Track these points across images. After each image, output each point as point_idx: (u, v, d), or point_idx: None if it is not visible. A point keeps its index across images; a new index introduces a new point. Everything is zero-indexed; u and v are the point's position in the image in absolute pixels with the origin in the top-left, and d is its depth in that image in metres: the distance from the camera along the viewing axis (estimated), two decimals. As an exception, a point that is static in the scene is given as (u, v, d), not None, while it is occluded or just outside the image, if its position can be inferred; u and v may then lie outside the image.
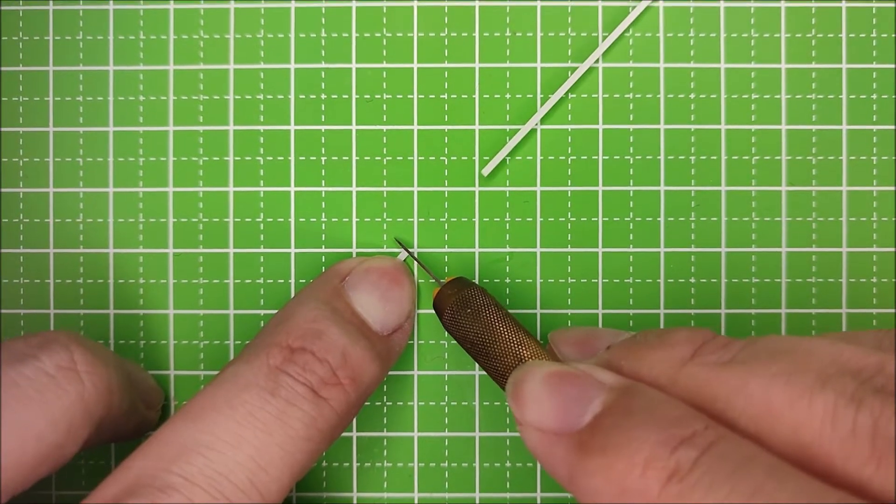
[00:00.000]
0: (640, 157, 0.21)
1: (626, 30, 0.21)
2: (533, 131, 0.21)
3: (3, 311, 0.21)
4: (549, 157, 0.21)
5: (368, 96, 0.21)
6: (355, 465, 0.21)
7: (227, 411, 0.15)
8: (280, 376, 0.16)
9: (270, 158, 0.21)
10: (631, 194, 0.21)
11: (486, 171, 0.20)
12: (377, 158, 0.21)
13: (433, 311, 0.21)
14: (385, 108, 0.21)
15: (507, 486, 0.21)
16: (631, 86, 0.21)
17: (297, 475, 0.15)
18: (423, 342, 0.21)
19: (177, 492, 0.14)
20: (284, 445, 0.15)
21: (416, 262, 0.20)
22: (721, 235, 0.21)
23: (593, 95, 0.21)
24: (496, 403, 0.21)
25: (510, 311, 0.21)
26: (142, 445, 0.15)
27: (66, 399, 0.15)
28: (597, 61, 0.21)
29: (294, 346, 0.16)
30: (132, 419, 0.18)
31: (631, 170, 0.21)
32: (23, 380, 0.15)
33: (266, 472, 0.15)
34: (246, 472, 0.14)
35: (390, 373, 0.21)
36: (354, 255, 0.21)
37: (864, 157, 0.21)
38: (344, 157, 0.21)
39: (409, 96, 0.21)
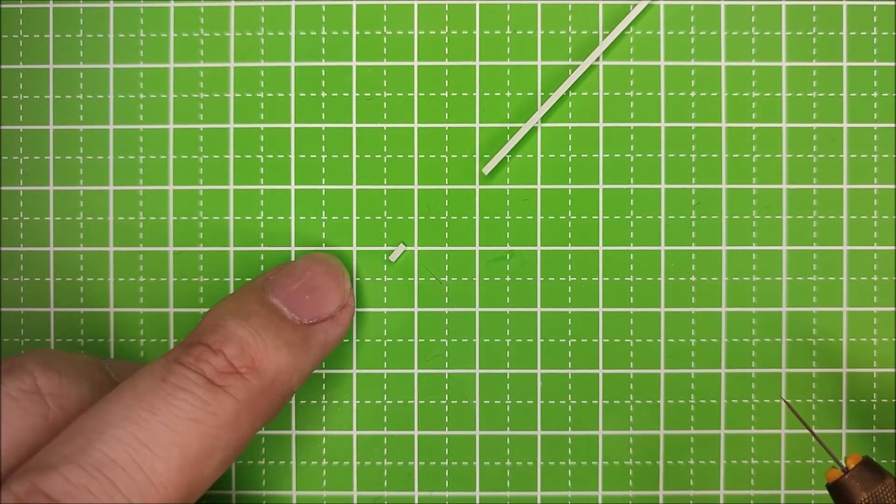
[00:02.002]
0: (640, 155, 0.21)
1: (627, 28, 0.21)
2: (533, 129, 0.21)
3: (3, 309, 0.21)
4: (550, 156, 0.21)
5: (369, 94, 0.21)
6: (355, 463, 0.21)
7: (115, 398, 0.15)
8: (173, 366, 0.16)
9: (271, 156, 0.21)
10: (631, 192, 0.21)
11: (487, 169, 0.20)
12: (377, 156, 0.21)
13: (433, 309, 0.21)
14: (385, 106, 0.21)
15: (508, 484, 0.21)
16: (631, 84, 0.21)
17: (193, 462, 0.15)
18: (423, 340, 0.21)
19: (54, 471, 0.14)
20: (170, 424, 0.15)
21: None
22: (722, 233, 0.21)
23: (594, 93, 0.21)
24: (496, 402, 0.21)
25: (510, 309, 0.21)
26: None
27: (29, 420, 0.15)
28: (597, 59, 0.21)
29: (192, 342, 0.16)
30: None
31: (631, 168, 0.21)
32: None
33: (149, 449, 0.14)
34: (126, 448, 0.14)
35: (391, 371, 0.21)
36: (355, 254, 0.21)
37: (864, 155, 0.21)
38: (344, 155, 0.21)
39: (410, 94, 0.21)
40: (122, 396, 0.15)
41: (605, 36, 0.21)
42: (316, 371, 0.21)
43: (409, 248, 0.21)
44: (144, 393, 0.15)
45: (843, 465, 0.17)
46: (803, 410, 0.21)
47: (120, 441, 0.14)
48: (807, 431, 0.21)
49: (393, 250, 0.21)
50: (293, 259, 0.20)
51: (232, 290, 0.21)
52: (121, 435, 0.14)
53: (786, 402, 0.19)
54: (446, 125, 0.21)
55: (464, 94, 0.21)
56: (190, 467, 0.15)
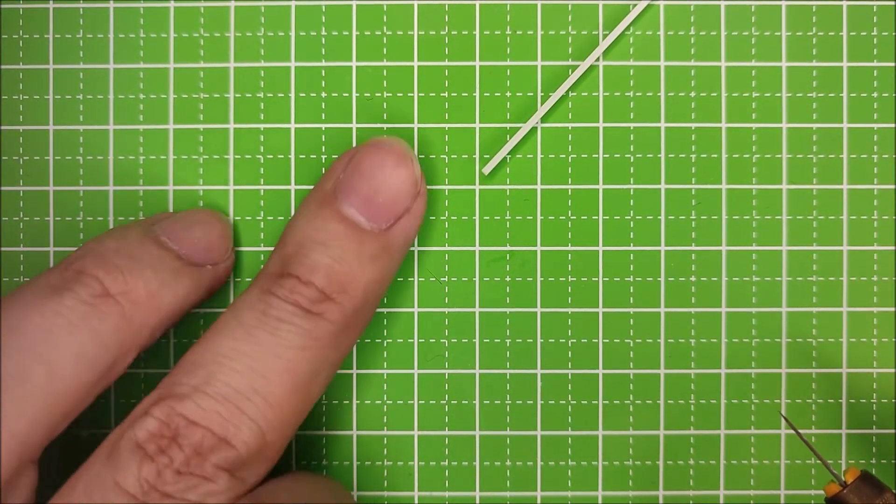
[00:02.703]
0: (640, 156, 0.21)
1: (627, 28, 0.21)
2: (533, 129, 0.21)
3: (2, 309, 0.21)
4: (550, 156, 0.21)
5: (369, 94, 0.21)
6: (355, 463, 0.21)
7: (225, 331, 0.17)
8: (271, 298, 0.17)
9: (271, 157, 0.21)
10: (631, 192, 0.21)
11: (487, 169, 0.20)
12: (377, 156, 0.21)
13: (433, 309, 0.21)
14: (385, 107, 0.21)
15: (508, 484, 0.21)
16: (631, 84, 0.21)
17: (304, 381, 0.17)
18: (423, 340, 0.21)
19: (188, 399, 0.16)
20: (279, 353, 0.16)
21: (805, 443, 0.18)
22: (722, 233, 0.21)
23: (594, 94, 0.21)
24: (496, 402, 0.21)
25: (510, 309, 0.21)
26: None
27: (110, 321, 0.17)
28: (597, 59, 0.21)
29: (281, 272, 0.17)
30: (200, 285, 0.19)
31: (631, 168, 0.21)
32: (65, 310, 0.16)
33: (265, 377, 0.16)
34: (245, 378, 0.16)
35: (391, 371, 0.21)
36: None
37: (864, 156, 0.21)
38: (344, 156, 0.21)
39: (410, 94, 0.21)
40: (232, 330, 0.17)
41: (605, 36, 0.21)
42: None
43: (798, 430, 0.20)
44: (252, 327, 0.17)
45: (842, 479, 0.17)
46: (803, 410, 0.21)
47: (239, 372, 0.16)
48: (808, 432, 0.21)
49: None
50: (354, 146, 0.19)
51: (232, 291, 0.21)
52: (238, 367, 0.16)
53: (784, 419, 0.19)
54: (446, 125, 0.21)
55: (464, 94, 0.21)
56: (301, 388, 0.17)
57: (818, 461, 0.20)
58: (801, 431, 0.20)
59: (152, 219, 0.19)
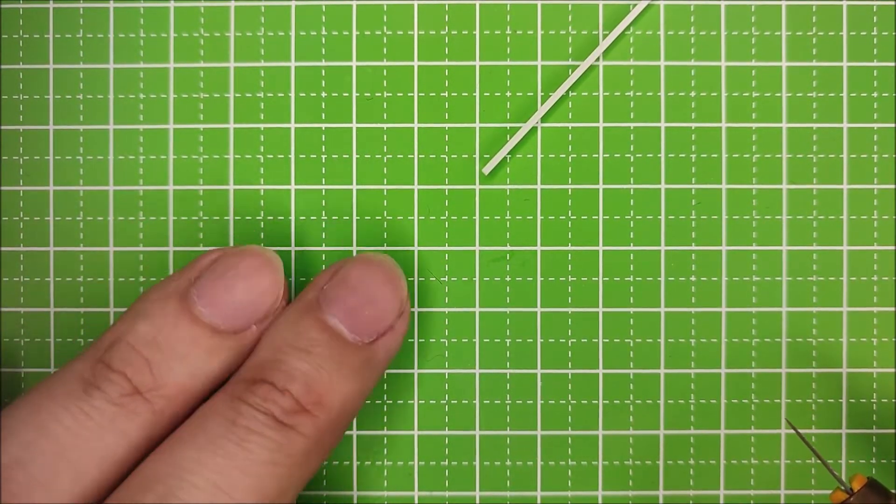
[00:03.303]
0: (640, 156, 0.21)
1: (627, 28, 0.21)
2: (533, 129, 0.21)
3: (3, 308, 0.21)
4: (550, 156, 0.21)
5: (369, 94, 0.21)
6: (355, 463, 0.21)
7: (189, 440, 0.15)
8: (241, 406, 0.16)
9: (271, 156, 0.21)
10: (631, 192, 0.21)
11: (487, 169, 0.20)
12: (377, 156, 0.21)
13: (433, 309, 0.21)
14: (385, 106, 0.21)
15: (508, 484, 0.21)
16: (631, 84, 0.21)
17: (272, 501, 0.15)
18: (423, 340, 0.21)
19: None
20: (246, 469, 0.15)
21: (804, 442, 0.18)
22: (722, 233, 0.21)
23: (594, 94, 0.21)
24: (496, 402, 0.21)
25: (510, 309, 0.21)
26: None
27: (139, 420, 0.16)
28: (597, 59, 0.21)
29: (255, 378, 0.16)
30: (240, 353, 0.18)
31: (631, 168, 0.21)
32: (94, 412, 0.16)
33: (228, 495, 0.15)
34: (207, 495, 0.15)
35: (390, 371, 0.21)
36: (354, 254, 0.21)
37: (864, 155, 0.21)
38: (344, 155, 0.21)
39: (410, 94, 0.21)
40: (195, 440, 0.15)
41: (605, 36, 0.21)
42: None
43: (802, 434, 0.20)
44: (217, 437, 0.15)
45: (848, 487, 0.17)
46: (803, 410, 0.21)
47: (200, 489, 0.15)
48: (808, 432, 0.21)
49: (392, 250, 0.21)
50: (343, 261, 0.18)
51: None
52: (200, 483, 0.15)
53: (790, 424, 0.19)
54: (446, 125, 0.21)
55: (464, 94, 0.21)
56: None
57: (818, 461, 0.20)
58: (803, 433, 0.20)
59: (194, 271, 0.18)
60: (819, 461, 0.18)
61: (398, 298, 0.18)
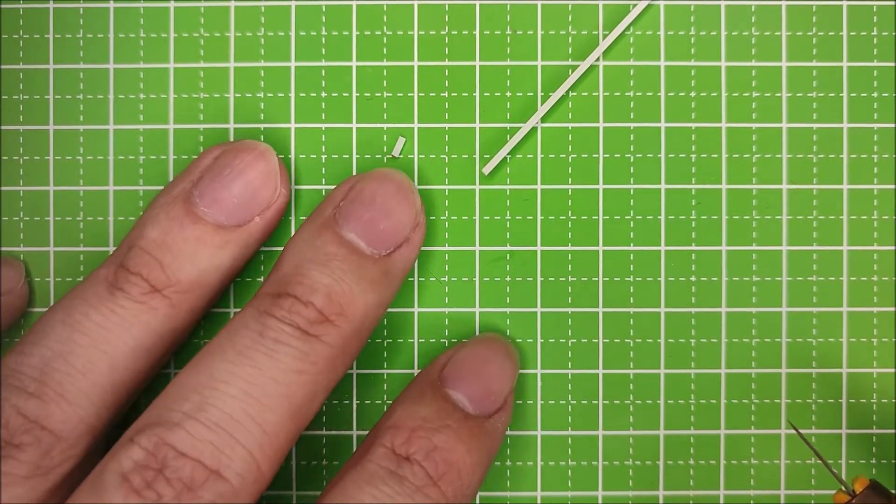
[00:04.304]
0: (640, 156, 0.21)
1: (627, 28, 0.21)
2: (533, 129, 0.21)
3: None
4: (550, 156, 0.21)
5: (368, 94, 0.21)
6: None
7: (219, 353, 0.16)
8: (267, 319, 0.17)
9: (271, 156, 0.21)
10: (631, 192, 0.21)
11: (487, 169, 0.20)
12: (377, 156, 0.21)
13: (433, 309, 0.21)
14: (385, 107, 0.21)
15: (508, 484, 0.21)
16: (631, 84, 0.21)
17: (299, 407, 0.16)
18: (423, 340, 0.21)
19: (178, 427, 0.15)
20: (276, 377, 0.16)
21: (812, 451, 0.18)
22: (722, 233, 0.21)
23: (594, 94, 0.21)
24: (496, 402, 0.21)
25: (510, 309, 0.21)
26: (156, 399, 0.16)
27: (161, 313, 0.18)
28: (597, 59, 0.21)
29: (279, 292, 0.17)
30: (247, 245, 0.19)
31: (631, 168, 0.21)
32: (119, 309, 0.17)
33: (260, 402, 0.16)
34: (240, 403, 0.16)
35: (391, 371, 0.21)
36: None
37: (864, 155, 0.21)
38: (344, 156, 0.21)
39: (410, 94, 0.21)
40: (226, 352, 0.16)
41: (605, 36, 0.21)
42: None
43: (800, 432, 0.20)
44: (246, 349, 0.16)
45: (851, 489, 0.17)
46: (803, 410, 0.21)
47: (233, 397, 0.16)
48: (807, 432, 0.21)
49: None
50: (356, 174, 0.19)
51: (232, 290, 0.21)
52: (233, 392, 0.16)
53: (791, 425, 0.19)
54: (446, 125, 0.21)
55: (464, 94, 0.21)
56: (297, 413, 0.16)
57: (818, 461, 0.20)
58: (803, 433, 0.20)
59: (195, 171, 0.19)
60: (820, 462, 0.18)
61: (412, 211, 0.19)
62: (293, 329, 0.16)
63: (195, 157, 0.21)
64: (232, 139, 0.21)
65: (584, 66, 0.21)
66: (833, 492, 0.20)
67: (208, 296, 0.18)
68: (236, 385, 0.16)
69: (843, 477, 0.20)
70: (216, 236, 0.18)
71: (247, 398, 0.16)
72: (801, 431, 0.19)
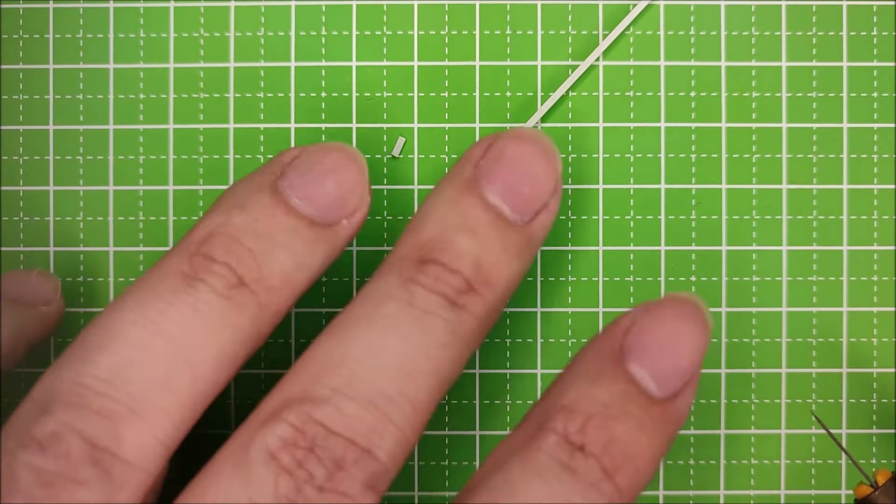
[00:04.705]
0: (640, 155, 0.21)
1: (627, 28, 0.21)
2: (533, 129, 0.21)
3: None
4: (550, 156, 0.21)
5: (368, 94, 0.21)
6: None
7: (367, 324, 0.15)
8: (414, 287, 0.15)
9: (271, 156, 0.21)
10: (631, 192, 0.21)
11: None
12: (378, 157, 0.21)
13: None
14: (385, 107, 0.21)
15: (508, 484, 0.21)
16: (631, 84, 0.21)
17: (444, 383, 0.15)
18: (423, 340, 0.21)
19: (327, 404, 0.14)
20: (427, 352, 0.15)
21: (841, 449, 0.18)
22: (722, 233, 0.21)
23: (594, 93, 0.21)
24: (496, 402, 0.21)
25: (511, 308, 0.21)
26: (289, 370, 0.15)
27: (247, 312, 0.15)
28: (597, 59, 0.21)
29: (424, 258, 0.15)
30: (336, 247, 0.17)
31: (631, 168, 0.21)
32: (202, 305, 0.15)
33: (413, 379, 0.14)
34: (392, 379, 0.14)
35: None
36: (355, 255, 0.21)
37: (864, 155, 0.21)
38: (344, 155, 0.21)
39: (410, 94, 0.21)
40: (375, 322, 0.15)
41: (605, 36, 0.21)
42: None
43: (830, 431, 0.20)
44: (397, 319, 0.15)
45: (873, 481, 0.17)
46: (803, 411, 0.21)
47: (386, 373, 0.14)
48: (808, 432, 0.21)
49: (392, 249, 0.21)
50: (495, 136, 0.17)
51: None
52: (386, 366, 0.14)
53: (816, 418, 0.19)
54: (446, 125, 0.21)
55: (464, 94, 0.21)
56: (442, 387, 0.15)
57: (819, 461, 0.20)
58: (819, 431, 0.20)
59: (278, 165, 0.17)
60: (846, 455, 0.18)
61: (555, 175, 0.17)
62: (441, 299, 0.15)
63: (195, 157, 0.21)
64: (232, 139, 0.21)
65: (583, 65, 0.21)
66: (835, 491, 0.20)
67: (294, 299, 0.16)
68: (388, 358, 0.14)
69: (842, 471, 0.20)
70: (310, 231, 0.16)
71: (400, 374, 0.14)
72: (823, 422, 0.18)
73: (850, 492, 0.21)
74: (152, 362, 0.14)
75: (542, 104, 0.21)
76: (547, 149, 0.17)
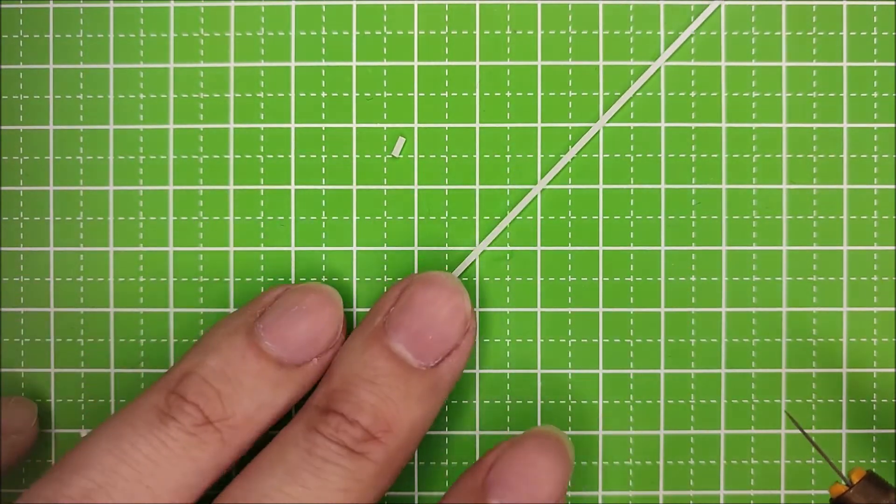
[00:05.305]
0: (640, 156, 0.21)
1: (627, 28, 0.21)
2: (534, 130, 0.21)
3: (3, 309, 0.21)
4: (550, 156, 0.21)
5: (368, 94, 0.21)
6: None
7: (269, 470, 0.16)
8: (315, 437, 0.17)
9: (271, 156, 0.21)
10: (631, 192, 0.21)
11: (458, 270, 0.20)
12: (377, 156, 0.21)
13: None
14: (385, 107, 0.21)
15: (508, 484, 0.21)
16: (631, 84, 0.21)
17: None
18: (423, 340, 0.21)
19: None
20: (323, 496, 0.16)
21: (811, 443, 0.18)
22: (722, 233, 0.21)
23: (594, 94, 0.21)
24: (496, 402, 0.21)
25: (510, 309, 0.21)
26: None
27: (210, 449, 0.17)
28: (597, 59, 0.21)
29: (328, 408, 0.17)
30: (303, 385, 0.19)
31: (632, 168, 0.21)
32: (170, 441, 0.17)
33: None
34: None
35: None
36: (354, 254, 0.21)
37: (864, 155, 0.21)
38: (344, 155, 0.21)
39: (410, 94, 0.21)
40: (275, 469, 0.16)
41: (605, 36, 0.21)
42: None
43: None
44: (295, 467, 0.16)
45: (848, 479, 0.17)
46: (803, 410, 0.21)
47: None
48: (808, 432, 0.21)
49: (392, 250, 0.21)
50: (411, 275, 0.19)
51: (232, 290, 0.21)
52: None
53: (790, 416, 0.19)
54: (446, 125, 0.21)
55: (464, 94, 0.21)
56: None
57: (819, 461, 0.20)
58: (806, 431, 0.20)
59: (259, 306, 0.19)
60: (819, 453, 0.18)
61: (462, 319, 0.18)
62: (340, 448, 0.16)
63: (195, 157, 0.21)
64: (232, 139, 0.21)
65: (585, 65, 0.21)
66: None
67: (257, 434, 0.18)
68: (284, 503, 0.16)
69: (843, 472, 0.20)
70: (277, 373, 0.18)
71: None
72: (797, 421, 0.18)
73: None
74: (118, 488, 0.16)
75: (541, 104, 0.21)
76: (454, 292, 0.18)
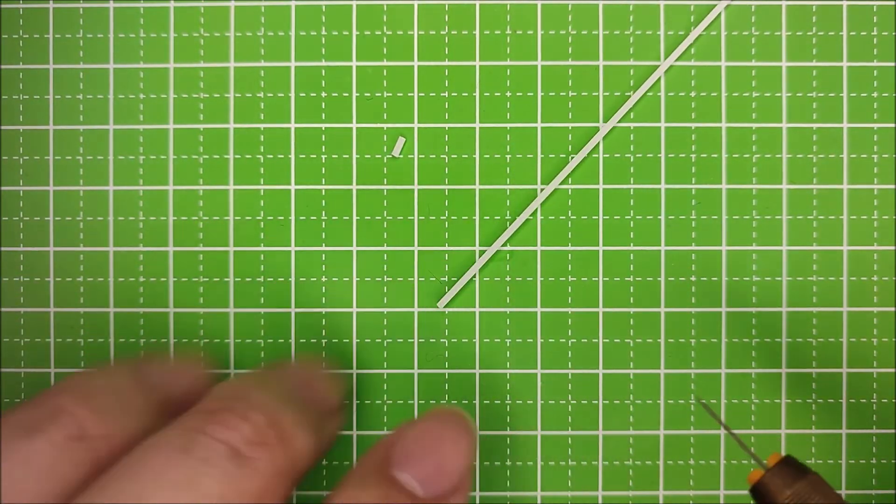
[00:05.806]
0: (640, 155, 0.21)
1: (627, 28, 0.21)
2: (534, 129, 0.21)
3: (3, 309, 0.21)
4: (550, 156, 0.21)
5: (368, 94, 0.21)
6: (356, 464, 0.21)
7: (130, 475, 0.14)
8: (196, 435, 0.14)
9: (271, 156, 0.21)
10: (631, 192, 0.21)
11: (442, 302, 0.20)
12: (377, 156, 0.21)
13: (433, 310, 0.21)
14: (385, 107, 0.21)
15: (508, 484, 0.21)
16: (631, 84, 0.21)
17: None
18: (423, 340, 0.21)
19: None
20: None
21: (731, 435, 0.18)
22: (722, 233, 0.21)
23: (594, 94, 0.21)
24: (496, 402, 0.21)
25: (510, 309, 0.21)
26: None
27: (81, 469, 0.15)
28: (598, 60, 0.21)
29: (214, 408, 0.15)
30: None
31: (631, 168, 0.21)
32: (33, 454, 0.15)
33: None
34: None
35: (391, 371, 0.21)
36: (354, 254, 0.21)
37: (864, 155, 0.21)
38: (344, 156, 0.21)
39: (410, 94, 0.21)
40: (139, 475, 0.14)
41: (605, 36, 0.21)
42: (316, 371, 0.21)
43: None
44: (166, 471, 0.14)
45: (764, 464, 0.16)
46: (803, 410, 0.21)
47: None
48: (808, 432, 0.21)
49: (392, 250, 0.21)
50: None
51: (232, 290, 0.21)
52: None
53: (701, 403, 0.19)
54: (446, 125, 0.21)
55: (464, 94, 0.21)
56: None
57: (819, 461, 0.20)
58: (708, 405, 0.20)
59: (140, 364, 0.18)
60: (739, 444, 0.18)
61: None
62: (225, 448, 0.15)
63: (195, 157, 0.21)
64: (232, 139, 0.21)
65: (585, 64, 0.21)
66: (836, 491, 0.20)
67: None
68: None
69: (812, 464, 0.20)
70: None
71: None
72: (709, 407, 0.18)
73: (852, 492, 0.21)
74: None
75: (541, 104, 0.21)
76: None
